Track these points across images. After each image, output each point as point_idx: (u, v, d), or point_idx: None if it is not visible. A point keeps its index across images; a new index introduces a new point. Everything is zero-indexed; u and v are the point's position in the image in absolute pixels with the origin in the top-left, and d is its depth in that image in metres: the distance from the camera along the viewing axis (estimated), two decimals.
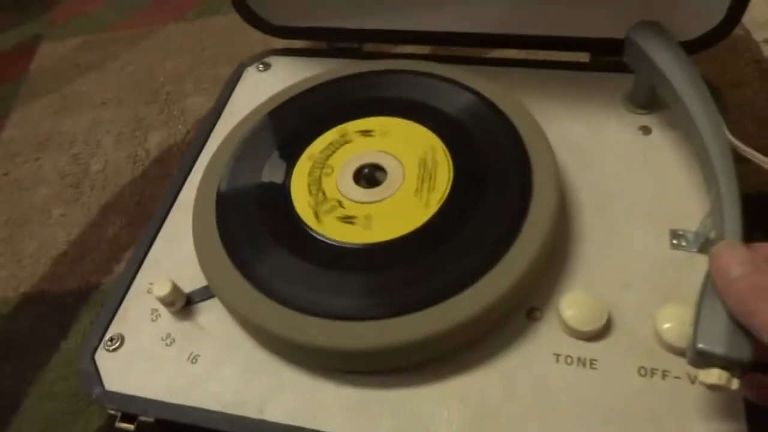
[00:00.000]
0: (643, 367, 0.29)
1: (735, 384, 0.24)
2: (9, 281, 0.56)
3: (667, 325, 0.29)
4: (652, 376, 0.29)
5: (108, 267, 0.55)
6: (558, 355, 0.30)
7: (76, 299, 0.54)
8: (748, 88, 0.58)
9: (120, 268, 0.55)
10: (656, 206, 0.35)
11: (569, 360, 0.30)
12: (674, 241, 0.33)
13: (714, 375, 0.24)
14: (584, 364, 0.29)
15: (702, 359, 0.24)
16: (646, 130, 0.38)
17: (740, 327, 0.24)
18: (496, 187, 0.33)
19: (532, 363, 0.30)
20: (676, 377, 0.29)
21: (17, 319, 0.53)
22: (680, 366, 0.29)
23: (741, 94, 0.57)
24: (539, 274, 0.32)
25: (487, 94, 0.38)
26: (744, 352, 0.23)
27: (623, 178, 0.36)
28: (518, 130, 0.36)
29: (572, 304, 0.30)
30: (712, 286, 0.25)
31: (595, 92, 0.41)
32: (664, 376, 0.29)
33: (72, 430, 0.46)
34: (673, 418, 0.27)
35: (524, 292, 0.31)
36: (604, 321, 0.30)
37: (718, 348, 0.24)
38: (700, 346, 0.24)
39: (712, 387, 0.24)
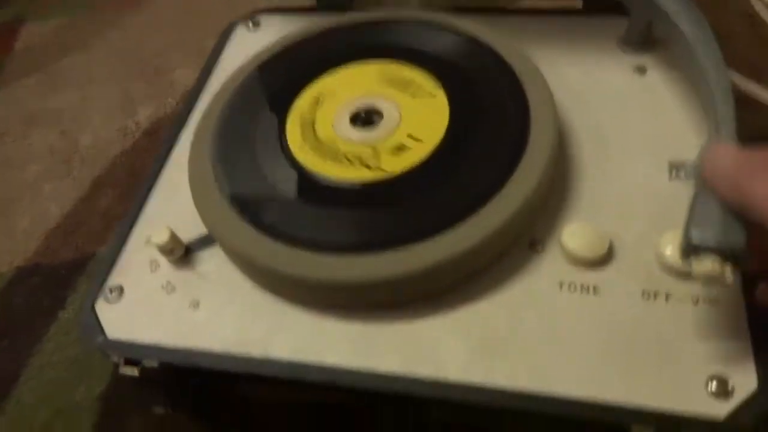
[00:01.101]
0: (646, 291, 0.29)
1: (729, 274, 0.23)
2: (3, 256, 0.55)
3: (669, 249, 0.29)
4: (655, 299, 0.29)
5: (102, 237, 0.55)
6: (561, 283, 0.30)
7: (72, 269, 0.53)
8: (739, 41, 0.58)
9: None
10: (654, 141, 0.35)
11: (573, 287, 0.30)
12: (673, 173, 0.33)
13: (708, 264, 0.23)
14: (588, 291, 0.30)
15: (695, 252, 0.24)
16: (641, 71, 0.38)
17: (732, 216, 0.23)
18: (494, 122, 0.33)
19: (536, 292, 0.30)
20: (680, 300, 0.29)
21: (13, 292, 0.53)
22: (683, 289, 0.29)
23: (732, 47, 0.58)
24: (540, 204, 0.32)
25: (483, 38, 0.38)
26: (737, 238, 0.23)
27: (621, 116, 0.36)
28: (514, 69, 0.35)
29: (574, 233, 0.30)
30: (703, 184, 0.25)
31: (589, 37, 0.41)
32: (667, 298, 0.29)
33: (73, 397, 0.46)
34: (679, 339, 0.27)
35: (525, 222, 0.31)
36: (606, 247, 0.30)
37: (710, 237, 0.23)
38: (692, 236, 0.23)
39: (706, 279, 0.23)
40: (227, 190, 0.33)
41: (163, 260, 0.34)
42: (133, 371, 0.31)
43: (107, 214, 0.57)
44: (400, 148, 0.33)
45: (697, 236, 0.23)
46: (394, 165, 0.32)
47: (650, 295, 0.29)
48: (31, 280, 0.53)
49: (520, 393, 0.27)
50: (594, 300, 0.29)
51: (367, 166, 0.33)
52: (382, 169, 0.32)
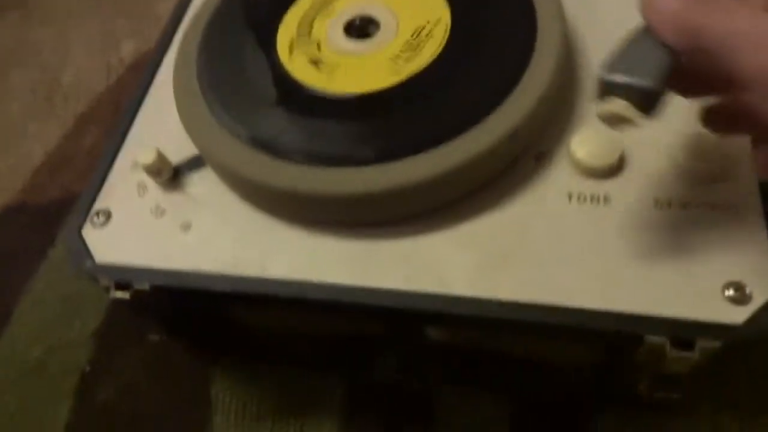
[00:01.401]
0: (659, 200, 0.28)
1: (634, 114, 0.21)
2: None
3: (683, 154, 0.28)
4: (669, 207, 0.27)
5: (89, 176, 0.53)
6: (570, 194, 0.29)
7: (59, 208, 0.52)
8: None
9: None
10: None
11: (582, 198, 0.28)
12: None
13: (616, 104, 0.21)
14: (598, 201, 0.28)
15: (606, 90, 0.22)
16: None
17: (651, 61, 0.21)
18: (499, 26, 0.31)
19: (544, 204, 0.29)
20: (695, 207, 0.27)
21: (1, 232, 0.51)
22: (700, 195, 0.28)
23: None
24: (548, 112, 0.30)
25: None
26: (650, 80, 0.21)
27: (632, 21, 0.34)
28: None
29: (583, 142, 0.29)
30: (640, 31, 0.23)
31: None
32: (682, 206, 0.27)
33: (69, 333, 0.45)
34: (694, 247, 0.26)
35: (534, 129, 0.29)
36: (617, 156, 0.28)
37: (622, 75, 0.21)
38: (604, 73, 0.22)
39: (613, 118, 0.22)
40: (215, 106, 0.31)
41: (151, 183, 0.33)
42: (124, 295, 0.30)
43: (93, 152, 0.55)
44: (398, 57, 0.31)
45: (609, 76, 0.22)
46: (393, 74, 0.30)
47: (664, 203, 0.28)
48: (19, 218, 0.52)
49: (529, 305, 0.26)
50: (604, 210, 0.28)
51: (363, 76, 0.31)
52: (380, 78, 0.30)
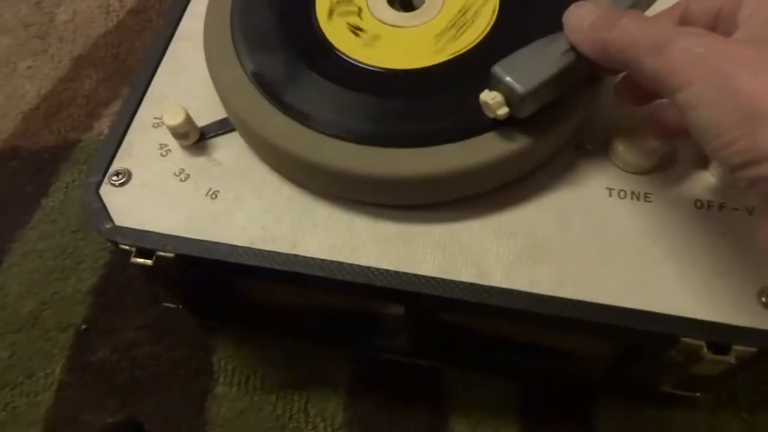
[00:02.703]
0: (699, 200, 0.28)
1: (502, 110, 0.25)
2: None
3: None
4: (708, 209, 0.28)
5: (87, 123, 0.51)
6: (611, 189, 0.28)
7: (54, 156, 0.49)
8: None
9: (101, 124, 0.51)
10: None
11: (623, 194, 0.28)
12: None
13: (489, 95, 0.25)
14: (638, 198, 0.28)
15: (493, 82, 0.25)
16: None
17: (536, 73, 0.24)
18: (546, 10, 0.30)
19: (584, 197, 0.28)
20: (734, 210, 0.27)
21: None
22: (738, 199, 0.28)
23: None
24: (590, 105, 0.29)
25: None
26: (523, 86, 0.24)
27: None
28: None
29: (627, 137, 0.28)
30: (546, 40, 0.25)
31: None
32: (720, 208, 0.28)
33: (64, 288, 0.44)
34: (732, 250, 0.27)
35: (577, 124, 0.29)
36: (660, 154, 0.28)
37: (506, 74, 0.24)
38: (496, 68, 0.25)
39: (486, 106, 0.25)
40: (252, 71, 0.29)
41: (174, 144, 0.31)
42: (146, 261, 0.28)
43: (91, 99, 0.52)
44: (443, 34, 0.30)
45: (496, 70, 0.25)
46: (436, 52, 0.29)
47: (703, 204, 0.28)
48: (11, 164, 0.50)
49: (567, 301, 0.26)
50: (644, 207, 0.28)
51: (406, 51, 0.29)
52: (423, 56, 0.29)
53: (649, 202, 0.28)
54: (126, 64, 0.53)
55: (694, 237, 0.27)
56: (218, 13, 0.32)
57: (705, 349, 0.25)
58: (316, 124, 0.28)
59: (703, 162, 0.29)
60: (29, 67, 0.54)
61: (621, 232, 0.27)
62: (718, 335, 0.25)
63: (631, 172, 0.29)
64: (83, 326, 0.42)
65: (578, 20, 0.24)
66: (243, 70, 0.30)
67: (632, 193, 0.28)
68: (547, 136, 0.27)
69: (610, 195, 0.28)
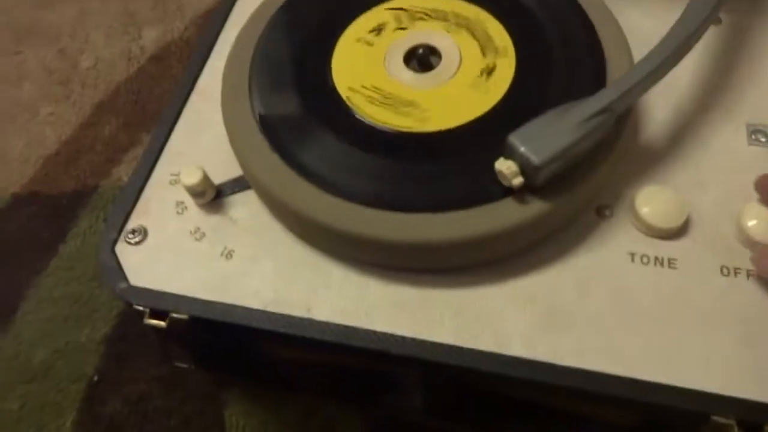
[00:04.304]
0: (725, 267, 0.27)
1: (517, 180, 0.25)
2: None
3: (752, 222, 0.27)
4: (735, 276, 0.27)
5: (106, 169, 0.51)
6: (633, 254, 0.28)
7: (73, 202, 0.50)
8: None
9: (120, 170, 0.51)
10: (732, 98, 0.32)
11: (645, 259, 0.27)
12: (752, 137, 0.31)
13: (505, 164, 0.25)
14: (662, 264, 0.27)
15: (508, 150, 0.25)
16: (717, 21, 0.35)
17: (553, 145, 0.24)
18: (565, 72, 0.30)
19: (605, 262, 0.28)
20: (762, 277, 0.27)
21: (9, 221, 0.49)
22: None
23: None
24: (610, 166, 0.29)
25: None
26: (538, 157, 0.24)
27: (696, 68, 0.33)
28: (586, 12, 0.32)
29: (649, 200, 0.28)
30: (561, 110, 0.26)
31: None
32: (748, 276, 0.27)
33: (78, 336, 0.43)
34: (761, 321, 0.26)
35: (594, 187, 0.28)
36: (684, 218, 0.27)
37: (522, 144, 0.24)
38: (511, 137, 0.25)
39: (499, 174, 0.25)
40: (269, 132, 0.29)
41: (190, 202, 0.31)
42: (160, 323, 0.28)
43: (111, 144, 0.53)
44: (459, 99, 0.30)
45: (511, 139, 0.25)
46: (456, 116, 0.29)
47: (730, 270, 0.27)
48: (29, 209, 0.50)
49: (590, 373, 0.25)
50: (668, 274, 0.27)
51: (420, 115, 0.29)
52: (440, 121, 0.29)
53: (674, 268, 0.27)
54: (146, 110, 0.54)
55: (722, 306, 0.26)
56: (237, 71, 0.32)
57: (736, 429, 0.23)
58: (330, 187, 0.27)
59: (727, 225, 0.28)
60: (51, 113, 0.55)
61: (644, 299, 0.27)
62: (750, 413, 0.24)
63: (655, 237, 0.28)
64: (95, 377, 0.42)
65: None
66: (260, 130, 0.30)
67: (656, 258, 0.27)
68: (565, 202, 0.26)
69: (633, 260, 0.28)
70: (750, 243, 0.27)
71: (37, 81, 0.57)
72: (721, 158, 0.30)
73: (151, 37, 0.59)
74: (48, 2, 0.63)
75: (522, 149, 0.24)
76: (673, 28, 0.29)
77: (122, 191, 0.32)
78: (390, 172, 0.28)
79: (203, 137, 0.34)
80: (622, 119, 0.28)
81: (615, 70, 0.30)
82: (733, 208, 0.28)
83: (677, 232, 0.28)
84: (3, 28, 0.62)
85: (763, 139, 0.30)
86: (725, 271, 0.27)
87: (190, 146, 0.34)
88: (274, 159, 0.29)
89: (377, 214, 0.26)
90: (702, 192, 0.29)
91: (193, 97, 0.36)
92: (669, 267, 0.27)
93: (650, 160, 0.30)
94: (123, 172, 0.50)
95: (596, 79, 0.29)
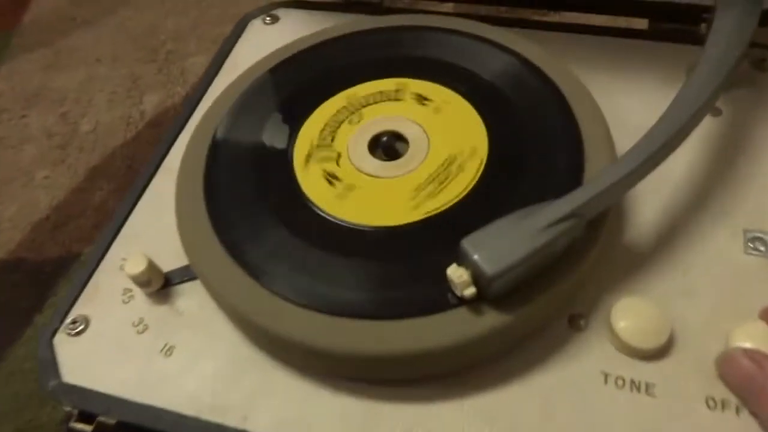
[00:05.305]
0: (712, 398, 0.24)
1: (468, 291, 0.22)
2: None
3: (745, 345, 0.24)
4: (723, 410, 0.23)
5: (92, 235, 0.51)
6: (607, 375, 0.25)
7: (55, 269, 0.49)
8: None
9: None
10: (730, 199, 0.29)
11: (620, 382, 0.24)
12: (750, 245, 0.28)
13: (456, 272, 0.22)
14: (639, 389, 0.24)
15: (461, 257, 0.23)
16: (716, 111, 0.33)
17: (510, 256, 0.22)
18: (540, 164, 0.28)
19: (575, 382, 0.25)
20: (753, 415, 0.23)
21: None
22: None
23: None
24: (582, 277, 0.26)
25: (529, 56, 0.32)
26: (491, 267, 0.22)
27: (689, 165, 0.31)
28: (564, 95, 0.30)
29: (627, 313, 0.25)
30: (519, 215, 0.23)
31: (653, 65, 0.35)
32: (738, 411, 0.23)
33: (38, 415, 0.42)
34: None
35: (561, 299, 0.26)
36: (665, 337, 0.24)
37: (474, 251, 0.22)
38: (464, 242, 0.22)
39: (450, 282, 0.23)
40: (220, 227, 0.28)
41: (138, 290, 0.30)
42: (85, 428, 0.26)
43: (100, 210, 0.52)
44: (423, 188, 0.28)
45: (464, 245, 0.22)
46: (415, 209, 0.27)
47: (717, 403, 0.23)
48: (13, 276, 0.49)
49: None
50: (645, 402, 0.24)
51: (378, 205, 0.27)
52: (395, 213, 0.27)
53: (652, 396, 0.24)
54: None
55: None
56: (195, 150, 0.31)
57: None
58: (269, 283, 0.25)
59: (716, 346, 0.25)
60: (46, 177, 0.55)
61: (616, 429, 0.23)
62: None
63: (632, 356, 0.25)
64: None
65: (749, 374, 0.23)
66: (207, 213, 0.28)
67: (632, 382, 0.24)
68: (526, 315, 0.24)
69: (606, 381, 0.24)
70: None
71: (37, 144, 0.58)
72: (714, 266, 0.27)
73: (152, 102, 0.60)
74: (57, 68, 0.64)
75: (474, 257, 0.22)
76: (659, 122, 0.27)
77: (74, 275, 0.31)
78: (332, 270, 0.25)
79: (163, 219, 0.32)
80: (598, 222, 0.25)
81: (594, 167, 0.27)
82: (723, 326, 0.25)
83: (657, 353, 0.25)
84: (13, 93, 0.63)
85: (762, 248, 0.27)
86: (711, 403, 0.23)
87: (148, 227, 0.32)
88: (216, 246, 0.27)
89: (311, 317, 0.24)
90: (689, 304, 0.26)
91: (159, 176, 0.35)
92: (646, 393, 0.24)
93: (633, 264, 0.27)
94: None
95: (572, 177, 0.27)
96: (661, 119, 0.26)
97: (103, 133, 0.58)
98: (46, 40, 0.67)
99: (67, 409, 0.27)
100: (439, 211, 0.27)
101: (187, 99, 0.38)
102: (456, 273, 0.23)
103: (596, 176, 0.25)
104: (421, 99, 0.31)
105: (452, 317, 0.24)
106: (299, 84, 0.33)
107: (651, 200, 0.30)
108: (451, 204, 0.27)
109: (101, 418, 0.26)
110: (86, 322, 0.29)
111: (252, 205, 0.28)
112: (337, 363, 0.25)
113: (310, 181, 0.29)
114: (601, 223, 0.26)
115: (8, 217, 0.53)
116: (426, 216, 0.27)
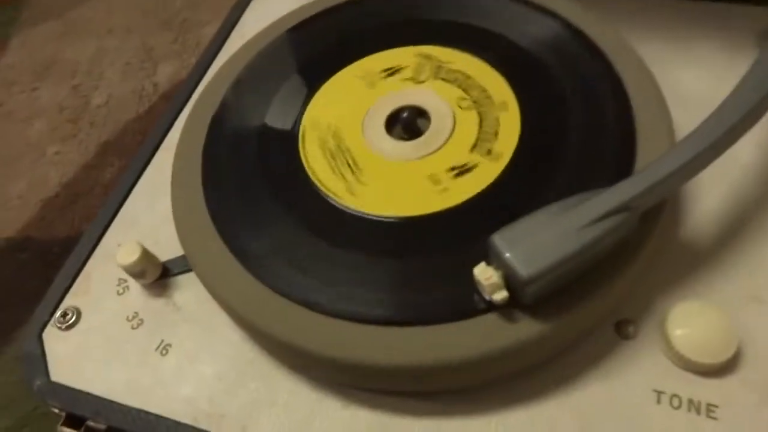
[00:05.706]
0: None
1: (499, 295, 0.19)
2: None
3: None
4: None
5: None
6: (660, 393, 0.21)
7: (63, 250, 0.47)
8: None
9: None
10: None
11: (676, 402, 0.21)
12: None
13: (485, 272, 0.19)
14: (699, 411, 0.21)
15: (490, 255, 0.19)
16: None
17: (548, 256, 0.18)
18: (583, 145, 0.24)
19: (621, 399, 0.21)
20: None
21: (0, 268, 0.47)
22: None
23: None
24: (632, 279, 0.22)
25: (571, 18, 0.28)
26: (526, 268, 0.18)
27: (761, 147, 0.27)
28: (616, 69, 0.26)
29: (685, 320, 0.21)
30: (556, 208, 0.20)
31: (718, 29, 0.31)
32: None
33: (42, 405, 0.40)
34: None
35: (608, 305, 0.22)
36: (732, 350, 0.21)
37: (507, 249, 0.19)
38: (495, 237, 0.19)
39: (477, 284, 0.20)
40: (219, 220, 0.25)
41: (133, 280, 0.27)
42: None
43: (110, 188, 0.50)
44: (442, 175, 0.24)
45: (494, 240, 0.19)
46: (432, 198, 0.24)
47: None
48: (21, 256, 0.47)
49: None
50: (705, 427, 0.20)
51: (394, 191, 0.24)
52: (414, 201, 0.24)
53: (713, 418, 0.20)
54: None
55: None
56: (193, 129, 0.28)
57: None
58: (268, 280, 0.22)
59: None
60: (57, 153, 0.53)
61: None
62: None
63: (691, 371, 0.21)
64: None
65: None
66: (211, 221, 0.25)
67: (690, 402, 0.21)
68: (565, 324, 0.20)
69: (659, 400, 0.21)
70: None
71: (48, 119, 0.56)
72: None
73: (165, 74, 0.57)
74: (68, 39, 0.62)
75: (507, 255, 0.19)
76: (729, 97, 0.23)
77: (66, 264, 0.29)
78: (343, 266, 0.22)
79: (162, 203, 0.29)
80: (652, 215, 0.22)
81: (648, 152, 0.23)
82: None
83: (721, 369, 0.21)
84: (24, 65, 0.61)
85: None
86: None
87: (147, 212, 0.30)
88: (214, 237, 0.24)
89: (315, 319, 0.21)
90: (758, 311, 0.22)
91: (161, 154, 0.32)
92: (707, 416, 0.20)
93: (691, 263, 0.24)
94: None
95: (621, 163, 0.23)
96: (732, 95, 0.22)
97: (115, 106, 0.55)
98: (56, 11, 0.65)
99: (55, 410, 0.24)
100: (466, 199, 0.23)
101: (193, 69, 0.35)
102: (484, 274, 0.19)
103: (652, 163, 0.21)
104: (446, 71, 0.28)
105: (479, 325, 0.20)
106: (307, 55, 0.30)
107: (714, 188, 0.26)
108: (478, 193, 0.23)
109: (90, 423, 0.24)
110: (77, 314, 0.27)
111: (254, 191, 0.25)
112: (347, 373, 0.22)
113: (319, 165, 0.25)
114: (656, 216, 0.22)
115: (17, 194, 0.51)
116: (453, 205, 0.23)
